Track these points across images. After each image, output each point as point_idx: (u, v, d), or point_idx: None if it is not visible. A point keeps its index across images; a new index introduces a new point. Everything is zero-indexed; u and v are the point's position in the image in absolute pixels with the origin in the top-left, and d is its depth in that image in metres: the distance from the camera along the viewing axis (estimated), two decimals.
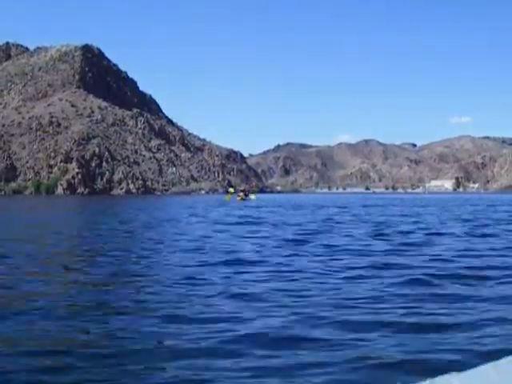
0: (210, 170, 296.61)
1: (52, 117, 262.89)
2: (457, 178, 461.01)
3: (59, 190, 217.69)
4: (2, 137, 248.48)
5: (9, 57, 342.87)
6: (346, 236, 23.27)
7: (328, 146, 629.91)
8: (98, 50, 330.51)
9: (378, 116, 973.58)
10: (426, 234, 23.84)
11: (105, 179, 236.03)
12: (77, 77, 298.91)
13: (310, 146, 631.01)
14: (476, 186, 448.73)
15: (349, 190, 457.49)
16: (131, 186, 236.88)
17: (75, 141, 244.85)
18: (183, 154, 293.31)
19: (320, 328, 7.76)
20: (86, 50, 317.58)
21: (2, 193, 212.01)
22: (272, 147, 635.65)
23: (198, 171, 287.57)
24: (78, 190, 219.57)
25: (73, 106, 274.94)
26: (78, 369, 6.13)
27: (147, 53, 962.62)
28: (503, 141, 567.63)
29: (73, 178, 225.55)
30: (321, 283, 11.42)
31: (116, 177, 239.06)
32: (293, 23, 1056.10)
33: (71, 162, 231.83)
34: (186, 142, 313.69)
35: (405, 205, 76.71)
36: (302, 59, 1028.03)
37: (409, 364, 6.16)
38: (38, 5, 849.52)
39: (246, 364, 6.26)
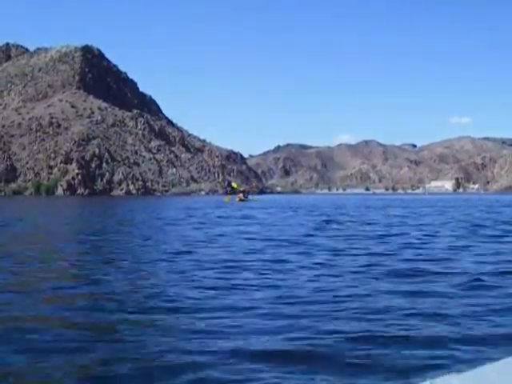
0: (210, 170, 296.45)
1: (52, 118, 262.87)
2: (457, 179, 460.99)
3: (59, 191, 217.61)
4: (1, 137, 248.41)
5: (9, 57, 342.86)
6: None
7: (328, 147, 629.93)
8: (98, 50, 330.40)
9: (378, 117, 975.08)
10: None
11: (105, 180, 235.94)
12: (77, 78, 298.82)
13: (310, 147, 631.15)
14: (476, 186, 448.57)
15: (349, 190, 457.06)
16: (131, 187, 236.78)
17: (75, 142, 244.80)
18: (183, 155, 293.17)
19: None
20: (86, 50, 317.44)
21: (2, 194, 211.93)
22: (272, 148, 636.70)
23: (198, 172, 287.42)
24: (78, 191, 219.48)
25: (73, 106, 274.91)
26: None
27: (147, 53, 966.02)
28: (503, 141, 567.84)
29: (73, 178, 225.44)
30: None
31: (116, 178, 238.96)
32: (293, 23, 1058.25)
33: (71, 163, 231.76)
34: (186, 142, 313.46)
35: (408, 207, 76.66)
36: (302, 59, 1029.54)
37: None
38: (38, 5, 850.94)
39: None
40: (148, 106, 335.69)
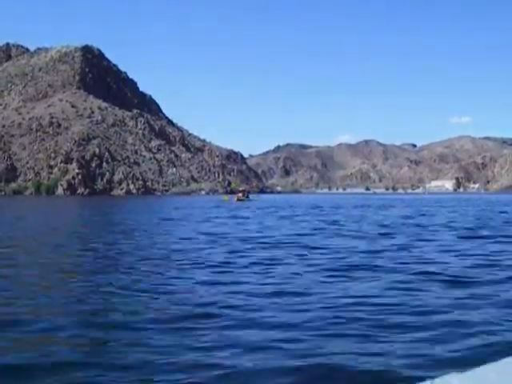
0: (210, 170, 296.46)
1: (52, 117, 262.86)
2: (457, 179, 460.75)
3: (59, 191, 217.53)
4: (2, 137, 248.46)
5: (9, 57, 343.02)
6: None
7: (328, 147, 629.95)
8: (98, 50, 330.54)
9: (378, 116, 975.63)
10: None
11: (105, 180, 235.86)
12: (77, 77, 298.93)
13: (310, 147, 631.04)
14: (476, 186, 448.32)
15: (349, 190, 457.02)
16: (131, 187, 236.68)
17: (75, 141, 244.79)
18: (183, 155, 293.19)
19: None
20: (86, 50, 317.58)
21: (3, 193, 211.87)
22: (272, 148, 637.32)
23: (198, 172, 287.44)
24: (78, 191, 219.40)
25: (73, 106, 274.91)
26: None
27: (147, 53, 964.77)
28: (503, 141, 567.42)
29: (73, 178, 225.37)
30: None
31: (116, 177, 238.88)
32: (293, 23, 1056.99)
33: (71, 163, 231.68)
34: (186, 142, 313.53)
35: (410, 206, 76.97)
36: (302, 59, 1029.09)
37: None
38: (39, 5, 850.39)
39: None
40: (148, 105, 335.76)
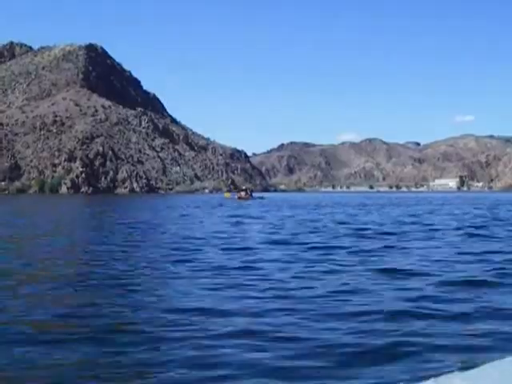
0: (213, 169, 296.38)
1: (56, 116, 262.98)
2: (461, 177, 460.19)
3: (63, 189, 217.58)
4: (6, 136, 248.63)
5: (13, 56, 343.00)
6: None
7: (332, 145, 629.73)
8: (102, 49, 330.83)
9: (382, 115, 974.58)
10: None
11: (109, 178, 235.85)
12: (81, 76, 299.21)
13: (314, 145, 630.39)
14: (480, 184, 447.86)
15: (353, 188, 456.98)
16: (135, 185, 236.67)
17: (79, 140, 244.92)
18: (187, 153, 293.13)
19: None
20: (90, 49, 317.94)
21: (6, 192, 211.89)
22: (276, 146, 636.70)
23: (202, 170, 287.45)
24: (82, 189, 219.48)
25: (77, 105, 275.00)
26: None
27: (151, 52, 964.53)
28: (507, 140, 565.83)
29: (77, 176, 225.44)
30: None
31: (120, 176, 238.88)
32: (296, 21, 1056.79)
33: (75, 161, 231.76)
34: (189, 141, 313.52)
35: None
36: (306, 58, 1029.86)
37: None
38: (43, 4, 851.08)
39: None
40: (152, 104, 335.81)
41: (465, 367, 2.08)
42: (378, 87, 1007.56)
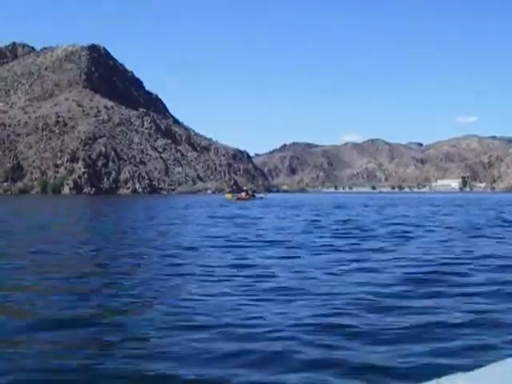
0: (216, 169, 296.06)
1: (58, 116, 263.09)
2: (463, 178, 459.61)
3: (65, 190, 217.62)
4: (8, 136, 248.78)
5: (15, 57, 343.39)
6: None
7: (334, 146, 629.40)
8: (105, 49, 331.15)
9: (385, 116, 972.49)
10: None
11: (111, 179, 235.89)
12: (83, 76, 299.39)
13: (316, 146, 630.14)
14: (483, 185, 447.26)
15: (355, 189, 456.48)
16: (137, 186, 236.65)
17: (81, 140, 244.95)
18: (189, 154, 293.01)
19: None
20: (93, 49, 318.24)
21: (9, 192, 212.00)
22: (278, 147, 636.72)
23: (205, 171, 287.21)
24: (85, 190, 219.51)
25: (79, 105, 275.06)
26: None
27: (153, 52, 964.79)
28: (509, 140, 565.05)
29: (79, 177, 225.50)
30: None
31: (122, 176, 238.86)
32: (298, 22, 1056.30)
33: (77, 162, 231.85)
34: (192, 141, 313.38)
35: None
36: (308, 58, 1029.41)
37: None
38: (45, 4, 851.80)
39: None
40: (154, 104, 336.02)
41: (467, 368, 2.06)
42: (381, 88, 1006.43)
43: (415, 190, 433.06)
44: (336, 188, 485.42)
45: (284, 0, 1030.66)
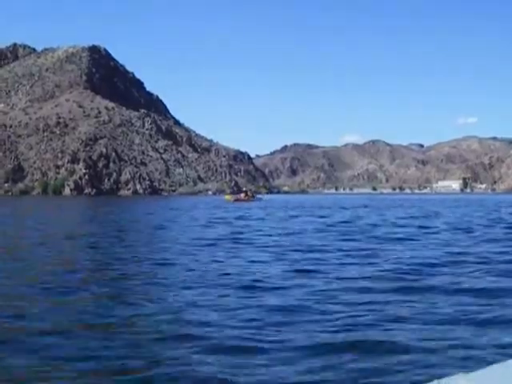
0: (217, 170, 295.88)
1: (59, 117, 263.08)
2: (464, 179, 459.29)
3: (66, 191, 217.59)
4: (9, 137, 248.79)
5: (16, 58, 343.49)
6: None
7: (335, 147, 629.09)
8: (105, 50, 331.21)
9: (385, 117, 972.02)
10: None
11: (112, 180, 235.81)
12: (84, 77, 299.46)
13: (317, 147, 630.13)
14: (483, 186, 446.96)
15: (356, 190, 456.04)
16: (138, 187, 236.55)
17: (82, 141, 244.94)
18: (190, 155, 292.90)
19: None
20: (93, 50, 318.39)
21: (10, 193, 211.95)
22: (279, 148, 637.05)
23: (205, 172, 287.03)
24: (85, 191, 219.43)
25: (80, 106, 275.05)
26: None
27: (154, 53, 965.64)
28: (510, 141, 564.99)
29: (80, 178, 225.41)
30: None
31: (123, 177, 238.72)
32: (299, 22, 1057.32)
33: (78, 163, 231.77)
34: (193, 142, 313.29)
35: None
36: (309, 59, 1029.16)
37: None
38: (46, 5, 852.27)
39: None
40: (155, 105, 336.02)
41: (469, 369, 2.05)
42: (381, 88, 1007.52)
43: (416, 191, 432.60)
44: (337, 189, 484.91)
45: (284, 0, 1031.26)
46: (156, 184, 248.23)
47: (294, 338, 7.73)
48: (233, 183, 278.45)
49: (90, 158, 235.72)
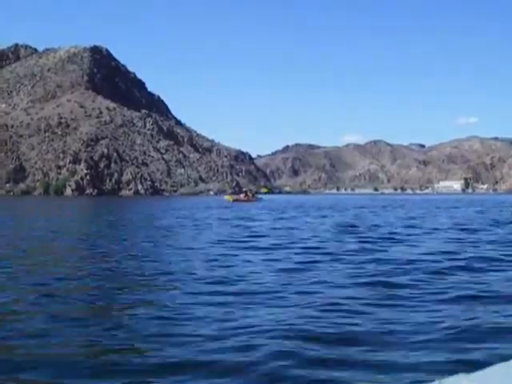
0: (218, 170, 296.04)
1: (61, 118, 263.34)
2: (465, 179, 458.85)
3: (68, 191, 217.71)
4: (10, 138, 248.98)
5: (18, 58, 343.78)
6: None
7: (336, 147, 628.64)
8: (107, 51, 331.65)
9: (386, 117, 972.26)
10: None
11: (113, 180, 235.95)
12: (85, 78, 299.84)
13: (319, 147, 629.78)
14: (485, 186, 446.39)
15: (357, 191, 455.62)
16: (140, 187, 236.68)
17: (84, 142, 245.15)
18: (192, 155, 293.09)
19: None
20: (95, 51, 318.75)
21: (11, 194, 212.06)
22: (280, 148, 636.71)
23: (207, 172, 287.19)
24: (87, 191, 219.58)
25: (81, 106, 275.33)
26: None
27: (156, 54, 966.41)
28: None
29: (81, 179, 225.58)
30: None
31: (124, 178, 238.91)
32: (299, 22, 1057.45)
33: (80, 163, 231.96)
34: (194, 142, 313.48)
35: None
36: (310, 59, 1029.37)
37: None
38: (47, 6, 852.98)
39: None
40: (156, 106, 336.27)
41: (471, 369, 2.05)
42: (382, 88, 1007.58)
43: (417, 191, 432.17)
44: (338, 189, 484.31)
45: (284, 0, 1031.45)
46: (157, 184, 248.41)
47: None
48: (234, 183, 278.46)
49: (91, 158, 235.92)
